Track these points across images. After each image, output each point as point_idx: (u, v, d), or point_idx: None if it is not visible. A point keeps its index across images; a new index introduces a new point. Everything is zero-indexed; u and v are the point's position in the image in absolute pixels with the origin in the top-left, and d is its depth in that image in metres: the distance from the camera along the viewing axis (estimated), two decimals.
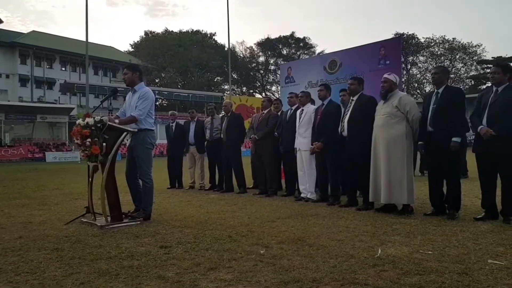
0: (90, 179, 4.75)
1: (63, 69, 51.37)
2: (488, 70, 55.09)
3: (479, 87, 54.25)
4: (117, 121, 4.58)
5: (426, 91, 59.28)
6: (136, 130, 4.74)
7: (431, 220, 4.59)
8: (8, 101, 39.65)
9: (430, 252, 3.25)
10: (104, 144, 4.37)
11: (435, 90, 4.87)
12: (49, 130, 40.78)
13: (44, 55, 49.10)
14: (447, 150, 4.60)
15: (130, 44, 67.66)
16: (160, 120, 44.32)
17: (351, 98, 5.73)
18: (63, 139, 39.46)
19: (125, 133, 4.56)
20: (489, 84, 54.10)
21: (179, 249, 3.42)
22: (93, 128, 4.29)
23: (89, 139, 4.29)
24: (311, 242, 3.59)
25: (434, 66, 56.64)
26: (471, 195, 6.28)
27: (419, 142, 5.00)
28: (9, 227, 4.50)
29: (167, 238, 3.87)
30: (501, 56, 50.29)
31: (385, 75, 5.16)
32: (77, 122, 4.40)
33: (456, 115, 4.65)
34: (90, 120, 4.27)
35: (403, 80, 7.01)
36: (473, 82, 56.20)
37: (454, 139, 4.58)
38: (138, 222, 4.62)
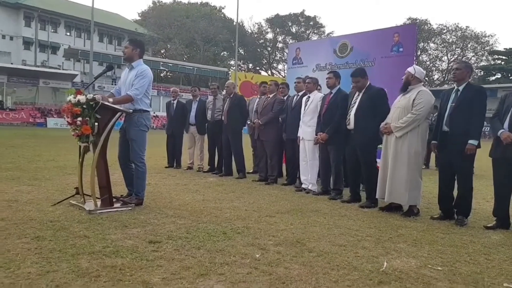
0: (80, 159, 4.48)
1: (68, 34, 50.61)
2: (499, 62, 54.11)
3: (488, 78, 53.35)
4: (111, 100, 4.24)
5: (434, 79, 58.39)
6: (131, 111, 4.41)
7: (438, 225, 4.34)
8: (11, 63, 39.01)
9: (439, 268, 2.99)
10: (96, 124, 4.08)
11: (455, 87, 4.53)
12: (52, 96, 40.28)
13: (49, 18, 48.26)
14: (462, 153, 4.30)
15: (137, 13, 66.57)
16: (163, 92, 43.85)
17: None
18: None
19: (119, 113, 4.24)
20: (498, 76, 53.26)
21: (169, 246, 3.17)
22: (84, 106, 3.98)
23: (80, 118, 4.00)
24: (311, 247, 3.34)
25: (445, 54, 55.71)
26: (478, 197, 6.00)
27: (433, 141, 4.70)
28: None
29: (158, 230, 3.62)
30: None
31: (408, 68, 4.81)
32: (68, 99, 4.08)
33: (475, 116, 4.33)
34: (81, 98, 3.96)
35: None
36: (482, 73, 55.14)
37: (470, 141, 4.28)
38: (129, 208, 4.38)
